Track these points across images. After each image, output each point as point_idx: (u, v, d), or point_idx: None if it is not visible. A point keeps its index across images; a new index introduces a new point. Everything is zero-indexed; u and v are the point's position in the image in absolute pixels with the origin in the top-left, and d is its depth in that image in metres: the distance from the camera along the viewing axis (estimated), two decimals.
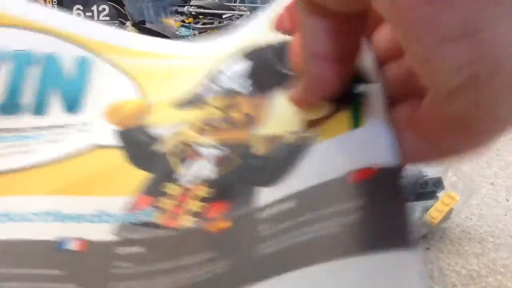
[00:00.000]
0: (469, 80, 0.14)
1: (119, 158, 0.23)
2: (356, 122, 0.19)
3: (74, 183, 0.22)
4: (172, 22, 0.76)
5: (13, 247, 0.21)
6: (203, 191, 0.21)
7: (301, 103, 0.21)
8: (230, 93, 0.24)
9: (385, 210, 0.17)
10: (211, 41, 0.29)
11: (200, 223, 0.20)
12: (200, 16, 0.77)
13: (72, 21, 0.27)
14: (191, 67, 0.27)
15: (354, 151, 0.19)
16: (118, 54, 0.27)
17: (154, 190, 0.22)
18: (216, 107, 0.24)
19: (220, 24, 0.77)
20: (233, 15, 0.77)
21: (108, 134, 0.24)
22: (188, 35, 0.77)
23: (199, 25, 0.77)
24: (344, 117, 0.20)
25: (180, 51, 0.28)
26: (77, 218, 0.21)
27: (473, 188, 0.51)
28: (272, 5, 0.27)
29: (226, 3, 0.76)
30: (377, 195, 0.17)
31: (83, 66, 0.26)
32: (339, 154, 0.19)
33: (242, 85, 0.24)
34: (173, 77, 0.26)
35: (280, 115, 0.23)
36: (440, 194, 0.50)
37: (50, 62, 0.26)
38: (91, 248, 0.20)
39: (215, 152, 0.22)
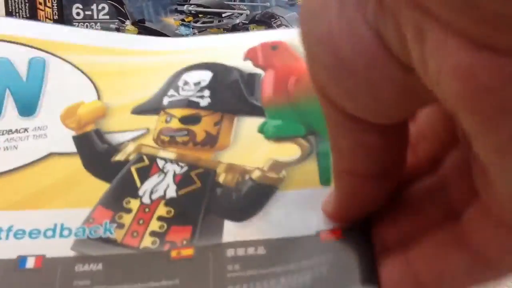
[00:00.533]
0: None
1: (76, 166, 0.23)
2: (324, 180, 0.21)
3: (31, 195, 0.22)
4: (171, 20, 0.76)
5: None
6: (163, 210, 0.21)
7: (336, 217, 0.19)
8: (191, 104, 0.24)
9: (355, 265, 0.18)
10: (172, 38, 0.29)
11: (160, 245, 0.20)
12: (200, 15, 0.77)
13: (19, 25, 0.27)
14: (148, 66, 0.26)
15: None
16: (73, 52, 0.26)
17: (114, 204, 0.21)
18: (176, 118, 0.24)
19: (220, 23, 0.77)
20: (233, 14, 0.76)
21: (64, 140, 0.24)
22: (188, 34, 0.76)
23: (199, 24, 0.77)
24: (311, 170, 0.21)
25: (135, 46, 0.27)
26: (35, 233, 0.21)
27: None
28: (248, 35, 0.27)
29: (226, 2, 0.75)
30: (348, 252, 0.18)
31: (37, 66, 0.25)
32: (309, 210, 0.20)
33: (202, 97, 0.24)
34: (129, 76, 0.26)
35: (246, 145, 0.23)
36: None
37: (0, 65, 0.26)
38: (48, 264, 0.20)
39: (175, 168, 0.22)
